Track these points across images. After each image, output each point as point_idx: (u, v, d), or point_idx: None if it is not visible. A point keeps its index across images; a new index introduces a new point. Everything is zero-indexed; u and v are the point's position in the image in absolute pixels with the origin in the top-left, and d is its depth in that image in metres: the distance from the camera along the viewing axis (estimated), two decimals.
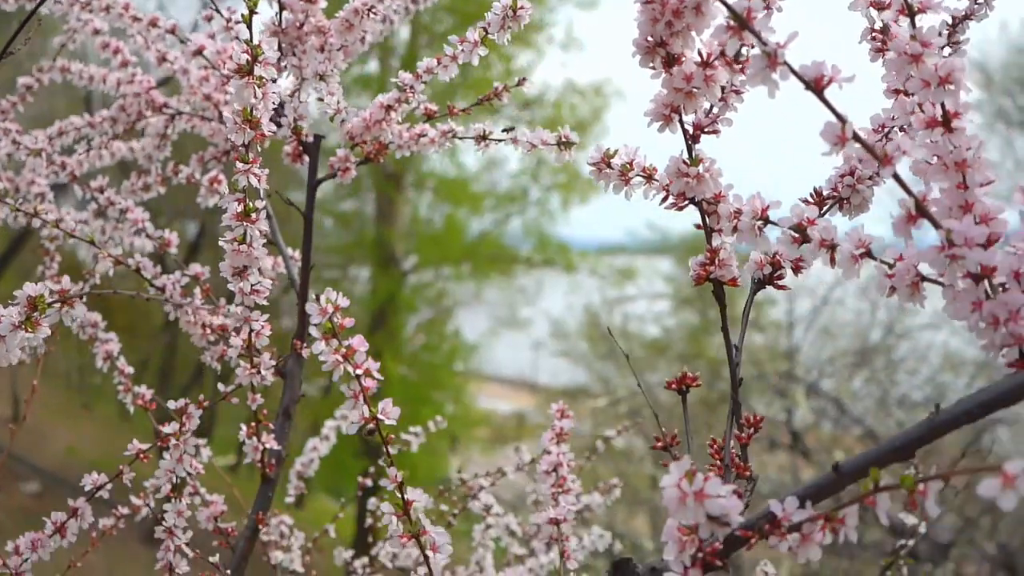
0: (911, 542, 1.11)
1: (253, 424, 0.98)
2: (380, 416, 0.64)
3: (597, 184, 0.67)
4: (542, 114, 9.84)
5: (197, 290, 1.04)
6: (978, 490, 0.42)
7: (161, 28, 1.13)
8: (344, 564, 1.40)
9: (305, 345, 0.99)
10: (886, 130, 0.70)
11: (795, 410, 5.55)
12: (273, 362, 0.92)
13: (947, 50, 0.74)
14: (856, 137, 0.52)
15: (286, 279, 1.13)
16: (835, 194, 0.69)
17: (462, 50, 0.91)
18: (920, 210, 0.52)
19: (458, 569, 1.38)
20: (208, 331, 1.03)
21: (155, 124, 1.23)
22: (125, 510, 1.13)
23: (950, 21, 0.76)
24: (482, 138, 0.97)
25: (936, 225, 0.52)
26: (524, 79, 1.01)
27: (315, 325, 0.62)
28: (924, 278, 0.55)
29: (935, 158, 0.56)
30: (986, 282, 0.54)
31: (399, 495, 0.66)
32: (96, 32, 1.22)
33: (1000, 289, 0.53)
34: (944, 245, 0.52)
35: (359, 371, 0.63)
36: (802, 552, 0.52)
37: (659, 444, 0.61)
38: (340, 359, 0.63)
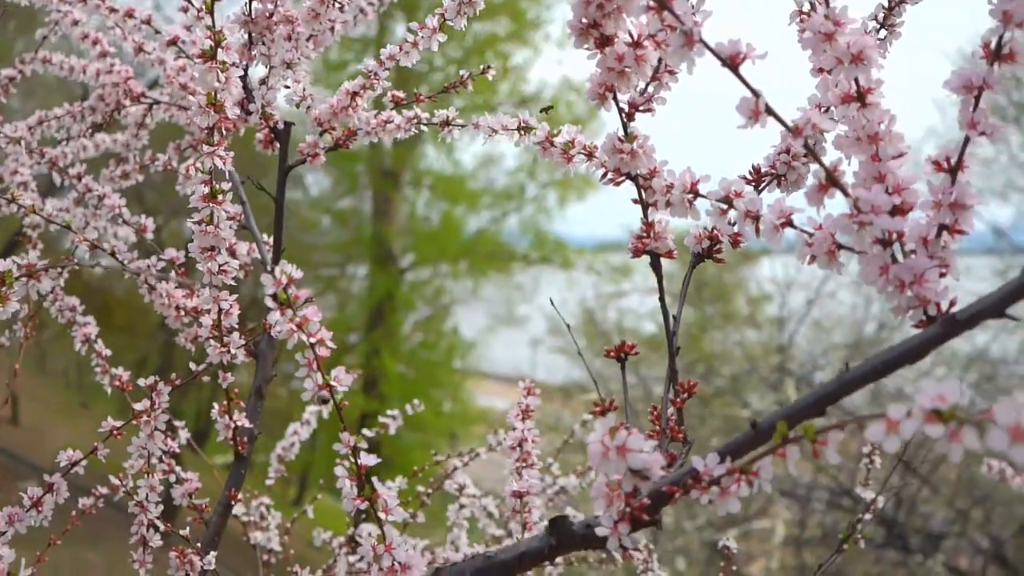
0: (867, 516, 1.13)
1: (225, 403, 1.01)
2: (333, 383, 0.67)
3: (551, 162, 0.70)
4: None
5: (172, 273, 1.07)
6: (866, 435, 0.45)
7: (137, 19, 1.15)
8: (323, 544, 1.43)
9: None
10: (822, 109, 0.73)
11: (786, 404, 5.57)
12: (243, 341, 0.95)
13: (883, 32, 0.78)
14: (769, 110, 0.55)
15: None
16: (772, 171, 0.72)
17: (422, 36, 0.94)
18: (831, 179, 0.55)
19: (436, 549, 1.41)
20: (181, 313, 1.06)
21: (134, 113, 1.26)
22: (104, 489, 1.16)
23: (887, 4, 0.79)
24: (445, 124, 0.99)
25: (845, 193, 0.55)
26: (489, 67, 1.03)
27: (270, 296, 0.65)
28: (840, 246, 0.58)
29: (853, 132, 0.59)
30: (897, 247, 0.57)
31: (353, 460, 0.69)
32: (75, 23, 1.24)
33: (911, 255, 0.56)
34: (853, 212, 0.55)
35: (313, 340, 0.66)
36: (721, 504, 0.55)
37: (598, 410, 0.64)
38: (294, 328, 0.66)
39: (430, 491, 1.37)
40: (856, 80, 0.58)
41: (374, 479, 0.68)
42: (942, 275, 0.55)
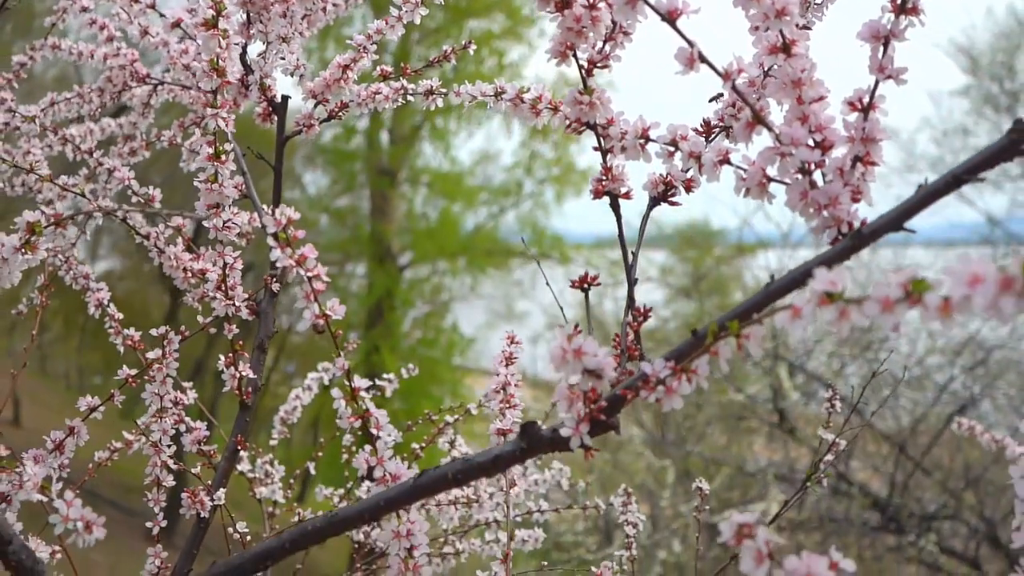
0: (830, 457, 1.22)
1: (231, 355, 1.09)
2: (329, 312, 0.76)
3: (513, 118, 0.78)
4: None
5: (179, 239, 1.15)
6: (776, 323, 0.53)
7: (142, 3, 1.24)
8: (325, 499, 1.51)
9: (276, 283, 1.10)
10: (766, 68, 0.82)
11: (780, 389, 5.66)
12: (246, 294, 1.04)
13: None
14: (702, 58, 0.63)
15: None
16: (720, 123, 0.81)
17: (405, 11, 1.03)
18: (757, 118, 0.64)
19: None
20: (189, 275, 1.14)
21: (139, 94, 1.34)
22: (118, 444, 1.24)
23: None
24: (430, 92, 1.08)
25: (770, 129, 0.64)
26: (470, 42, 1.12)
27: (271, 235, 0.73)
28: (770, 179, 0.67)
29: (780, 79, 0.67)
30: (819, 176, 0.65)
31: (347, 383, 0.77)
32: (84, 10, 1.33)
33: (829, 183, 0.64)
34: (777, 146, 0.63)
35: (310, 274, 0.75)
36: (666, 401, 0.64)
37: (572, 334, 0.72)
38: (294, 264, 0.74)
39: (423, 445, 1.45)
40: (781, 32, 0.66)
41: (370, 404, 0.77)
42: (856, 200, 0.64)
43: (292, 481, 1.50)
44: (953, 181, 0.58)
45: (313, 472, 1.60)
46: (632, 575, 1.44)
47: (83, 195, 1.10)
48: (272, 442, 1.51)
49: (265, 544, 0.72)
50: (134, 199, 1.22)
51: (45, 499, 0.74)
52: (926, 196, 0.58)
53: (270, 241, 0.74)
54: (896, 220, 0.59)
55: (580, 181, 11.81)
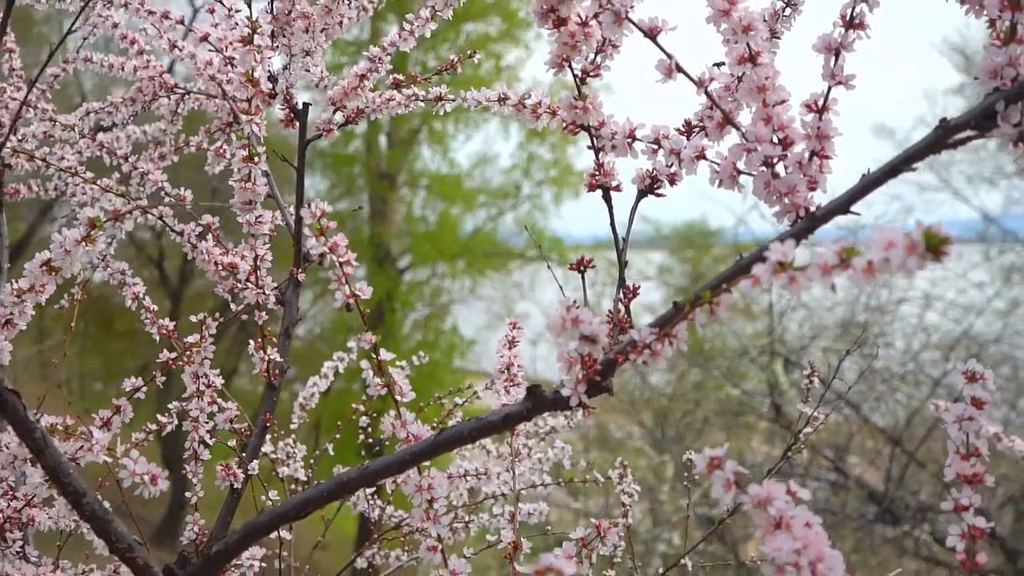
0: (808, 430, 1.32)
1: (260, 339, 1.19)
2: (358, 293, 0.86)
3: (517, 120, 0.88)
4: None
5: (209, 235, 1.26)
6: (738, 288, 0.64)
7: (172, 20, 1.34)
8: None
9: (301, 271, 1.21)
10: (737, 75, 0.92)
11: (776, 384, 5.77)
12: (275, 285, 1.14)
13: (788, 10, 0.96)
14: (679, 68, 0.74)
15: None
16: (700, 124, 0.91)
17: (417, 25, 1.13)
18: (726, 119, 0.74)
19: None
20: (219, 268, 1.25)
21: (168, 104, 1.45)
22: (153, 426, 1.34)
23: None
24: (439, 99, 1.18)
25: (737, 128, 0.74)
26: (474, 52, 1.23)
27: (307, 225, 0.84)
28: (739, 171, 0.77)
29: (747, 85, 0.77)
30: (782, 168, 0.76)
31: (375, 355, 0.88)
32: (115, 26, 1.43)
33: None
34: (743, 143, 0.74)
35: (342, 259, 0.85)
36: (652, 363, 0.74)
37: (570, 306, 0.82)
38: (327, 250, 0.85)
39: (433, 427, 1.55)
40: (748, 45, 0.76)
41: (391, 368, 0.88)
42: (812, 189, 0.74)
43: (312, 462, 1.60)
44: (891, 170, 0.68)
45: (332, 453, 1.70)
46: (634, 569, 1.53)
47: (122, 195, 1.20)
48: (292, 425, 1.62)
49: (306, 493, 0.82)
50: (166, 200, 1.32)
51: (111, 460, 0.85)
52: (868, 183, 0.69)
53: (306, 231, 0.85)
54: (844, 205, 0.70)
55: (578, 182, 11.92)
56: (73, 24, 1.04)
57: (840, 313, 7.55)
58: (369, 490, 1.62)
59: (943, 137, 0.67)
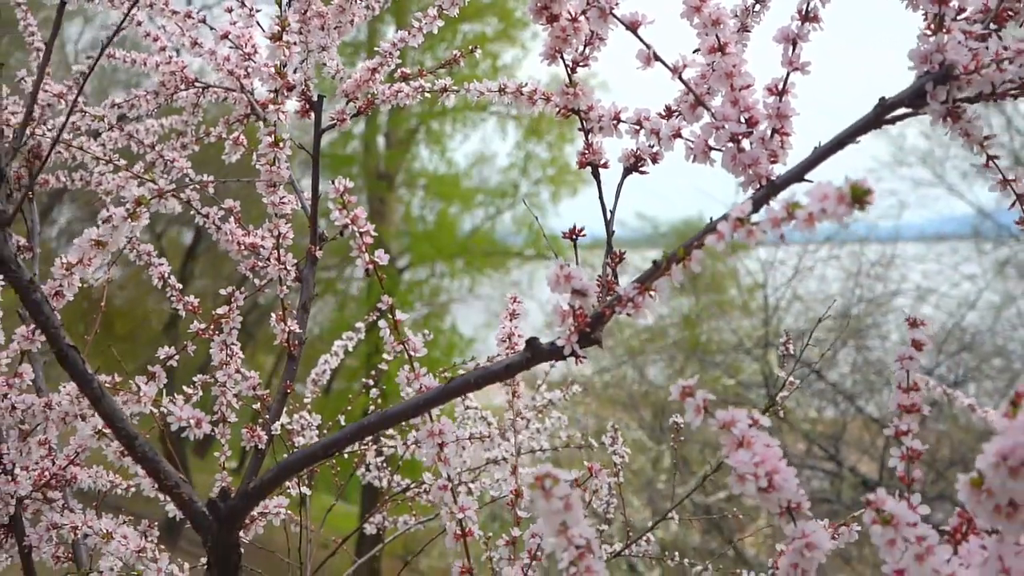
0: (786, 394, 1.43)
1: (280, 312, 1.30)
2: (376, 259, 0.97)
3: (515, 108, 0.99)
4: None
5: (231, 217, 1.37)
6: (707, 242, 0.74)
7: (194, 19, 1.45)
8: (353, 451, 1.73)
9: (318, 249, 1.31)
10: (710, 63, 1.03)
11: (771, 375, 5.89)
12: (295, 261, 1.25)
13: (757, 6, 1.07)
14: (656, 57, 0.84)
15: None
16: (678, 109, 1.02)
17: (425, 23, 1.25)
18: (698, 101, 0.85)
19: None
20: (241, 247, 1.36)
21: (188, 97, 1.56)
22: (191, 390, 1.45)
23: None
24: (444, 90, 1.29)
25: (708, 109, 0.85)
26: (475, 47, 1.34)
27: (331, 200, 0.95)
28: (711, 147, 0.88)
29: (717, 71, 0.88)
30: (747, 144, 0.86)
31: (391, 316, 0.99)
32: (139, 24, 1.54)
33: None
34: (713, 122, 0.85)
35: (362, 230, 0.96)
36: (637, 315, 0.85)
37: (564, 264, 0.93)
38: (349, 221, 0.95)
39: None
40: (717, 37, 0.87)
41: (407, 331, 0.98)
42: (773, 161, 0.85)
43: (327, 431, 1.71)
44: (838, 143, 0.79)
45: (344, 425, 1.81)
46: (625, 524, 1.64)
47: (153, 181, 1.31)
48: (306, 400, 1.73)
49: (332, 436, 0.93)
50: (190, 186, 1.43)
51: (157, 411, 0.95)
52: (819, 155, 0.80)
53: (330, 204, 0.96)
54: (798, 174, 0.81)
55: (575, 181, 12.04)
56: (122, 23, 1.15)
57: (835, 307, 7.67)
58: (378, 459, 1.73)
59: (881, 114, 0.78)
